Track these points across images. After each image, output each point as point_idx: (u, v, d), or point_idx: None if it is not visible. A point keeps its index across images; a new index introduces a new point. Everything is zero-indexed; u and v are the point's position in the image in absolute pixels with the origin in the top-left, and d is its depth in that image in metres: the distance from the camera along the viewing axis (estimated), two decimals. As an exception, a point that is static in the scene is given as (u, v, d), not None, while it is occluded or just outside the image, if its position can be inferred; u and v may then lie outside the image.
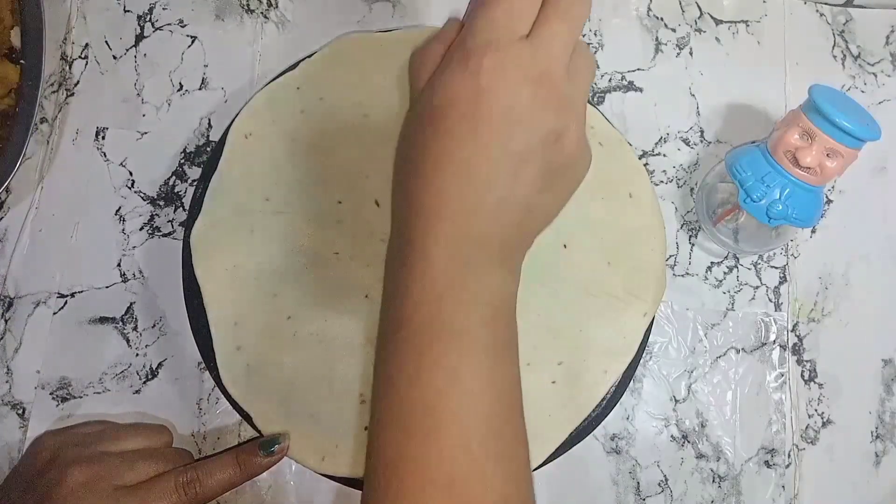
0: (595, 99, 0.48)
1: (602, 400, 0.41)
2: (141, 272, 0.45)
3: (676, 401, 0.45)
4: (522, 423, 0.31)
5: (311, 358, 0.40)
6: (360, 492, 0.32)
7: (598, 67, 0.32)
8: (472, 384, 0.29)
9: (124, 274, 0.45)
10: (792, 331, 0.47)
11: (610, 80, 0.49)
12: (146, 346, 0.44)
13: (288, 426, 0.39)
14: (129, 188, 0.46)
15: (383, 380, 0.31)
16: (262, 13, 0.48)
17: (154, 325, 0.44)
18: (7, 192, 0.45)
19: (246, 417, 0.40)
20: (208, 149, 0.46)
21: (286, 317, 0.40)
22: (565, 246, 0.42)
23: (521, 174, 0.29)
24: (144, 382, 0.44)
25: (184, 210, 0.45)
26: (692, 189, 0.48)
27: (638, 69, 0.49)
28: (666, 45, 0.50)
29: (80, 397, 0.43)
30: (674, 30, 0.50)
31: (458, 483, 0.27)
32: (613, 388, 0.42)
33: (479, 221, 0.29)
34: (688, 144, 0.48)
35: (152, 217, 0.46)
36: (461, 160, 0.29)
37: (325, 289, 0.41)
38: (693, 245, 0.47)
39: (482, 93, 0.28)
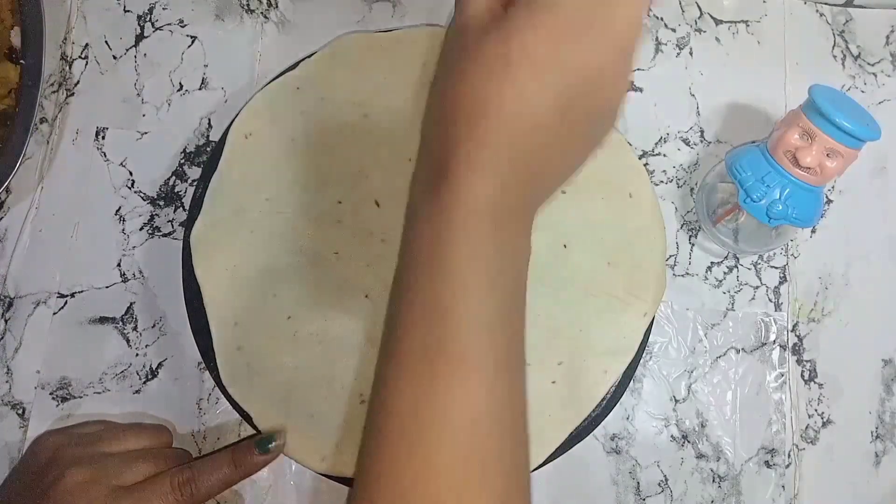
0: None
1: (602, 400, 0.41)
2: (141, 272, 0.45)
3: (676, 401, 0.45)
4: (523, 314, 0.31)
5: (312, 358, 0.40)
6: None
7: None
8: (493, 323, 0.29)
9: (124, 274, 0.45)
10: (792, 331, 0.47)
11: (610, 80, 0.49)
12: (146, 346, 0.44)
13: (288, 426, 0.39)
14: (129, 188, 0.46)
15: (406, 302, 0.30)
16: (262, 13, 0.48)
17: (154, 325, 0.44)
18: (7, 192, 0.45)
19: (246, 417, 0.40)
20: (208, 149, 0.46)
21: (286, 317, 0.40)
22: (565, 246, 0.42)
23: (568, 116, 0.29)
24: (144, 382, 0.44)
25: (184, 210, 0.45)
26: (692, 189, 0.48)
27: (638, 69, 0.49)
28: (666, 45, 0.50)
29: (80, 397, 0.43)
30: (674, 30, 0.50)
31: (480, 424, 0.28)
32: (613, 388, 0.42)
33: (522, 156, 0.29)
34: (688, 144, 0.48)
35: (152, 217, 0.46)
36: (526, 113, 0.28)
37: (325, 289, 0.41)
38: (693, 245, 0.47)
39: (558, 55, 0.28)
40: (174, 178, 0.46)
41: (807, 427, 0.46)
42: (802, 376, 0.46)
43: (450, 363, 0.28)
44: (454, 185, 0.29)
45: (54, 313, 0.44)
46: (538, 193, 0.31)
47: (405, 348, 0.29)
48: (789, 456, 0.45)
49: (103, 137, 0.46)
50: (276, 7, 0.48)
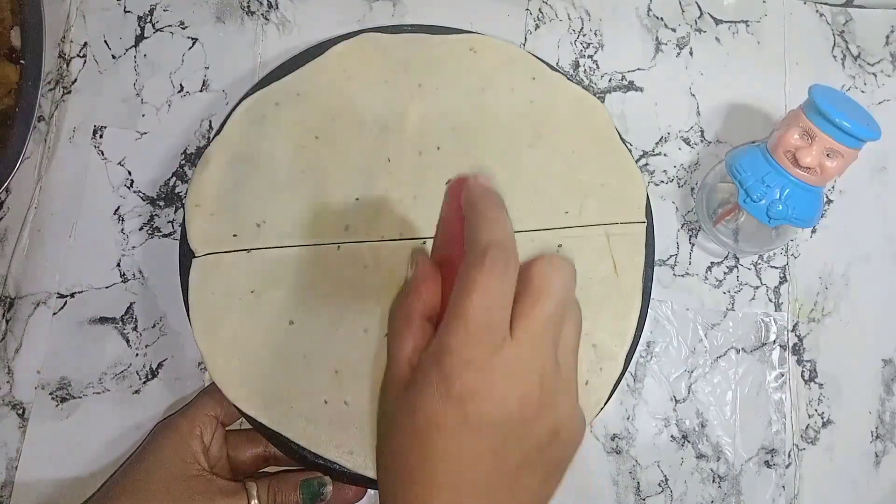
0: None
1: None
2: (141, 272, 0.45)
3: (676, 401, 0.45)
4: None
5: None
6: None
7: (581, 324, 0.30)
8: None
9: (124, 274, 0.45)
10: (792, 331, 0.47)
11: (610, 81, 0.49)
12: (146, 346, 0.44)
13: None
14: (128, 188, 0.46)
15: None
16: (262, 14, 0.48)
17: (154, 325, 0.44)
18: (7, 192, 0.45)
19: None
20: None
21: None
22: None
23: (520, 483, 0.28)
24: (144, 382, 0.44)
25: (184, 210, 0.45)
26: (692, 189, 0.48)
27: (638, 69, 0.49)
28: (666, 45, 0.50)
29: (80, 397, 0.43)
30: (674, 30, 0.50)
31: None
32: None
33: None
34: (688, 144, 0.48)
35: (152, 217, 0.46)
36: (453, 487, 0.27)
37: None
38: (693, 245, 0.47)
39: (469, 417, 0.27)
40: (174, 178, 0.46)
41: (807, 427, 0.46)
42: (802, 376, 0.46)
43: None
44: None
45: (54, 313, 0.44)
46: None
47: None
48: (789, 456, 0.45)
49: (101, 136, 0.46)
50: (277, 8, 0.48)
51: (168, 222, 0.46)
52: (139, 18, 0.48)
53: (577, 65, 0.49)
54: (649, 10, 0.50)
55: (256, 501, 0.38)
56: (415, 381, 0.28)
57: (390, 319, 0.32)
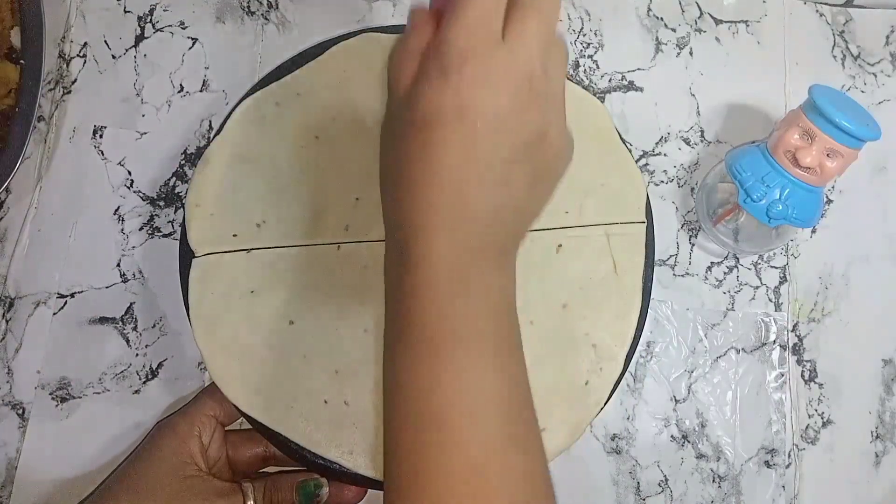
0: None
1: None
2: (141, 272, 0.45)
3: (676, 401, 0.45)
4: (533, 411, 0.32)
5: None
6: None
7: (569, 58, 0.32)
8: (485, 384, 0.30)
9: (124, 274, 0.45)
10: (792, 331, 0.47)
11: (610, 81, 0.49)
12: (146, 346, 0.44)
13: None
14: (128, 188, 0.46)
15: (395, 390, 0.31)
16: (262, 14, 0.48)
17: (154, 325, 0.44)
18: (7, 191, 0.45)
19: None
20: (208, 149, 0.46)
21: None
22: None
23: (510, 179, 0.30)
24: (144, 382, 0.44)
25: (184, 210, 0.45)
26: (692, 189, 0.48)
27: (638, 69, 0.49)
28: (666, 45, 0.50)
29: (80, 397, 0.43)
30: (674, 30, 0.50)
31: (477, 472, 0.28)
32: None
33: (475, 229, 0.30)
34: (688, 144, 0.48)
35: (152, 217, 0.46)
36: (450, 174, 0.29)
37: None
38: (693, 245, 0.47)
39: (465, 104, 0.28)
40: (174, 178, 0.46)
41: (807, 427, 0.46)
42: (802, 376, 0.46)
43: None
44: (414, 256, 0.30)
45: (54, 313, 0.44)
46: (502, 237, 0.32)
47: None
48: (789, 456, 0.45)
49: (101, 136, 0.46)
50: (277, 8, 0.48)
51: (168, 222, 0.46)
52: (139, 18, 0.48)
53: (577, 65, 0.49)
54: (649, 10, 0.50)
55: (252, 502, 0.38)
56: (415, 82, 0.30)
57: (390, 59, 0.33)
